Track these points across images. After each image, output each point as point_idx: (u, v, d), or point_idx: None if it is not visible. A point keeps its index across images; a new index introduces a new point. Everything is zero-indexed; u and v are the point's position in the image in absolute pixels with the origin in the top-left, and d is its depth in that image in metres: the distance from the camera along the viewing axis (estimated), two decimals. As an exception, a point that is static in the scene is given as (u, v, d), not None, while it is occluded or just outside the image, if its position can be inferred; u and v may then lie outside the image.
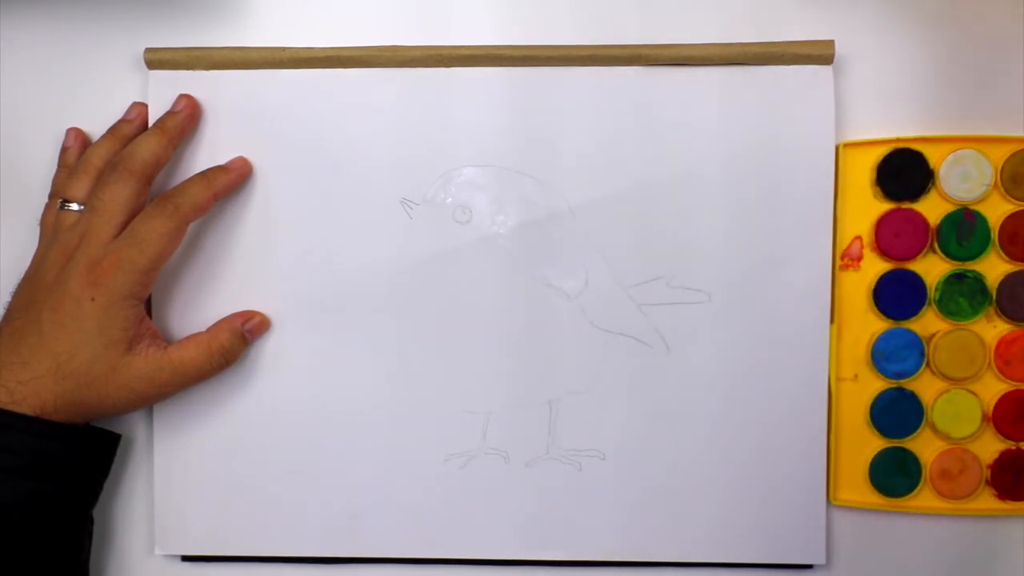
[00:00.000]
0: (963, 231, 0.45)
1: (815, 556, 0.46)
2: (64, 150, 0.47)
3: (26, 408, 0.41)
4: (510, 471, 0.47)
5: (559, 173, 0.46)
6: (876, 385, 0.46)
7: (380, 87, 0.46)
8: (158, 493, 0.47)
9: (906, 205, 0.46)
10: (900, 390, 0.46)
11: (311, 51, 0.46)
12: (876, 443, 0.46)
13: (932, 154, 0.46)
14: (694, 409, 0.46)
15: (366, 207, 0.47)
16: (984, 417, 0.46)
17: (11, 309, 0.44)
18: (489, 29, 0.47)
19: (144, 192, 0.44)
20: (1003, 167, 0.45)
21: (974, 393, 0.46)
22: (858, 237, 0.46)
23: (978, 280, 0.45)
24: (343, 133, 0.47)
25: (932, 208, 0.46)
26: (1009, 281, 0.46)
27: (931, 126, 0.46)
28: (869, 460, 0.46)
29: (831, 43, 0.45)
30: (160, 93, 0.47)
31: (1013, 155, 0.45)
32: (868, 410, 0.46)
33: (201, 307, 0.47)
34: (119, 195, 0.43)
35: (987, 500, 0.46)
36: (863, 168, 0.46)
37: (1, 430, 0.40)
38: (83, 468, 0.44)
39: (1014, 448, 0.46)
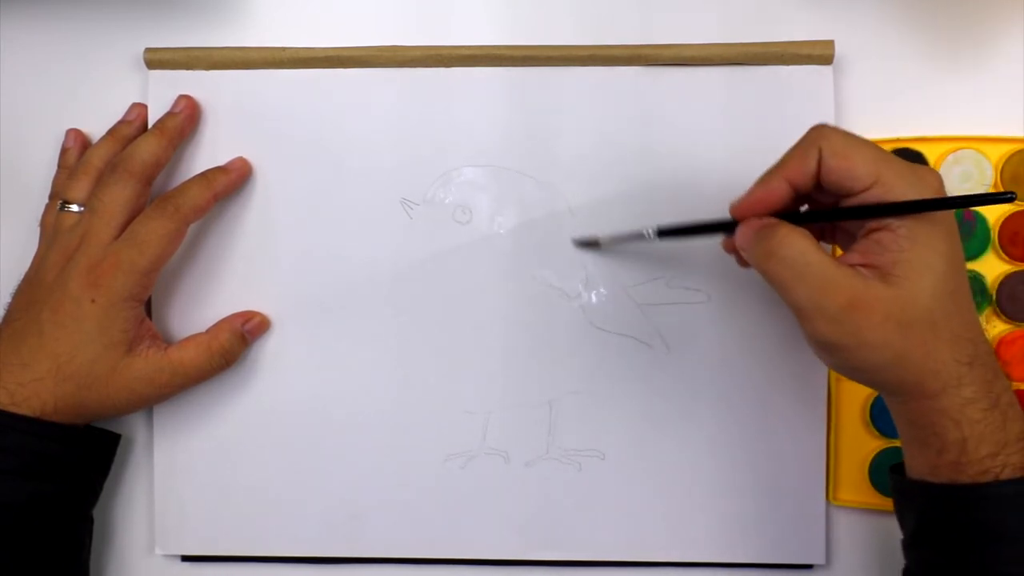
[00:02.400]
0: (963, 231, 0.45)
1: (815, 556, 0.46)
2: (64, 151, 0.47)
3: (26, 409, 0.41)
4: (510, 471, 0.47)
5: (559, 173, 0.46)
6: (876, 385, 0.46)
7: (380, 87, 0.46)
8: (158, 493, 0.47)
9: (906, 205, 0.46)
10: (900, 390, 0.46)
11: (311, 51, 0.46)
12: (876, 443, 0.46)
13: (932, 154, 0.46)
14: (694, 409, 0.46)
15: (366, 207, 0.47)
16: (984, 417, 0.46)
17: (11, 310, 0.44)
18: (489, 29, 0.47)
19: (144, 193, 0.44)
20: (1003, 167, 0.45)
21: (974, 393, 0.46)
22: (858, 237, 0.46)
23: (978, 280, 0.45)
24: (343, 133, 0.47)
25: (932, 208, 0.46)
26: (1009, 281, 0.46)
27: (931, 126, 0.46)
28: (869, 460, 0.46)
29: (831, 43, 0.45)
30: (160, 93, 0.47)
31: (1013, 155, 0.45)
32: (868, 410, 0.46)
33: (201, 308, 0.47)
34: (119, 196, 0.43)
35: (987, 500, 0.46)
36: (863, 168, 0.46)
37: (1, 431, 0.41)
38: (83, 468, 0.44)
39: (1014, 448, 0.46)
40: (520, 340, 0.47)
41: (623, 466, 0.46)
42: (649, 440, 0.46)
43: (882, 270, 0.34)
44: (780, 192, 0.36)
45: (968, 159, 0.45)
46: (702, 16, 0.47)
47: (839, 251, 0.42)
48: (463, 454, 0.47)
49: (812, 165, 0.35)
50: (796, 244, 0.34)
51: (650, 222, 0.42)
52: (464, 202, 0.46)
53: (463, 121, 0.46)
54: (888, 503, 0.46)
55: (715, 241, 0.46)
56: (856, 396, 0.46)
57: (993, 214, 0.45)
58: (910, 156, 0.46)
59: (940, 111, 0.46)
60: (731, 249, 0.40)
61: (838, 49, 0.45)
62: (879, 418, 0.46)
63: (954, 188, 0.45)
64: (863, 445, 0.46)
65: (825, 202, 0.37)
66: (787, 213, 0.36)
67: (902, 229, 0.34)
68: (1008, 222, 0.45)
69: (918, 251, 0.34)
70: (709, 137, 0.46)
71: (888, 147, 0.46)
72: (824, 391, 0.46)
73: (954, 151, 0.45)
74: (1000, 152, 0.45)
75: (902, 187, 0.34)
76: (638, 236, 0.42)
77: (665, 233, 0.41)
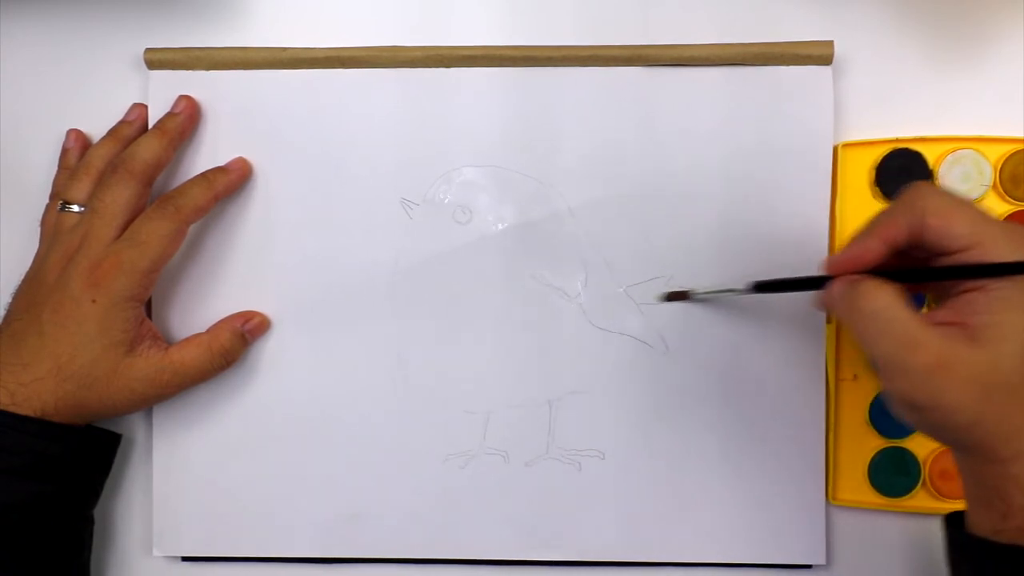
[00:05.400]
0: (962, 231, 0.45)
1: (815, 556, 0.46)
2: (64, 151, 0.47)
3: (27, 409, 0.41)
4: (510, 471, 0.47)
5: (559, 173, 0.46)
6: (875, 385, 0.46)
7: (380, 87, 0.47)
8: (157, 493, 0.47)
9: (906, 205, 0.46)
10: (899, 390, 0.46)
11: (311, 51, 0.46)
12: (875, 443, 0.46)
13: (931, 154, 0.46)
14: (694, 409, 0.46)
15: (366, 207, 0.47)
16: (983, 417, 0.46)
17: (12, 311, 0.44)
18: (489, 29, 0.47)
19: (145, 194, 0.44)
20: (1002, 167, 0.45)
21: (973, 393, 0.46)
22: (858, 237, 0.46)
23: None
24: (343, 133, 0.47)
25: (932, 208, 0.46)
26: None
27: (930, 126, 0.46)
28: (868, 460, 0.46)
29: (831, 43, 0.45)
30: (160, 93, 0.47)
31: (1012, 155, 0.45)
32: (867, 410, 0.46)
33: (201, 308, 0.47)
34: (120, 197, 0.43)
35: (986, 500, 0.46)
36: (862, 168, 0.46)
37: (1, 431, 0.41)
38: (83, 468, 0.44)
39: (1013, 448, 0.46)
40: (520, 340, 0.47)
41: (623, 466, 0.47)
42: (649, 440, 0.46)
43: (971, 331, 0.33)
44: (876, 251, 0.35)
45: (967, 159, 0.45)
46: (702, 16, 0.47)
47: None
48: (463, 454, 0.47)
49: (910, 224, 0.35)
50: (881, 298, 0.34)
51: (742, 277, 0.42)
52: (464, 202, 0.47)
53: (463, 121, 0.46)
54: (888, 503, 0.46)
55: (713, 239, 0.46)
56: (856, 396, 0.46)
57: (993, 213, 0.45)
58: (910, 156, 0.46)
59: (940, 111, 0.47)
60: (822, 306, 0.39)
61: (838, 49, 0.45)
62: (879, 418, 0.46)
63: (954, 188, 0.45)
64: (863, 445, 0.46)
65: (919, 257, 0.36)
66: (881, 271, 0.35)
67: (997, 291, 0.33)
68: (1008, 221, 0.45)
69: (1009, 315, 0.33)
70: (709, 137, 0.46)
71: (888, 147, 0.46)
72: (823, 391, 0.46)
73: (953, 151, 0.45)
74: (999, 152, 0.45)
75: (1001, 249, 0.33)
76: (730, 290, 0.43)
77: (761, 288, 0.41)
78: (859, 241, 0.36)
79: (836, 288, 0.36)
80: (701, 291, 0.45)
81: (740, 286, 0.42)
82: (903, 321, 0.34)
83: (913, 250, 0.36)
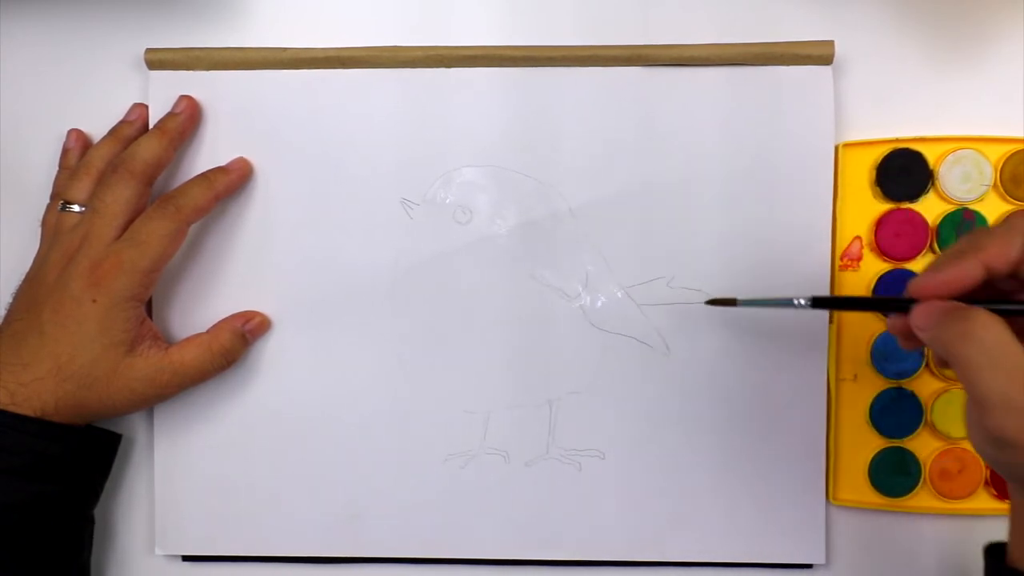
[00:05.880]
0: (963, 231, 0.45)
1: (815, 556, 0.46)
2: (65, 151, 0.47)
3: (27, 409, 0.41)
4: (510, 471, 0.47)
5: (559, 173, 0.46)
6: (876, 385, 0.46)
7: (380, 87, 0.47)
8: (158, 493, 0.47)
9: (905, 205, 0.46)
10: (900, 390, 0.46)
11: (311, 51, 0.46)
12: (876, 443, 0.46)
13: (931, 154, 0.46)
14: (694, 409, 0.46)
15: (366, 207, 0.47)
16: (983, 417, 0.46)
17: (12, 310, 0.44)
18: (489, 29, 0.47)
19: (145, 193, 0.44)
20: (1002, 167, 0.45)
21: (973, 393, 0.46)
22: (858, 237, 0.46)
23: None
24: (343, 133, 0.47)
25: (932, 208, 0.46)
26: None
27: (931, 126, 0.46)
28: (869, 460, 0.46)
29: (831, 43, 0.45)
30: (160, 94, 0.47)
31: (1012, 155, 0.45)
32: (868, 410, 0.46)
33: (202, 308, 0.47)
34: (120, 196, 0.43)
35: (986, 500, 0.46)
36: (862, 168, 0.46)
37: (2, 431, 0.41)
38: (84, 468, 0.44)
39: (1013, 448, 0.46)
40: (520, 340, 0.47)
41: (623, 466, 0.47)
42: (649, 440, 0.46)
43: None
44: (974, 277, 0.33)
45: (967, 159, 0.45)
46: (702, 16, 0.47)
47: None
48: (463, 454, 0.47)
49: (1016, 252, 0.32)
50: (997, 330, 0.31)
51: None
52: (464, 202, 0.47)
53: (463, 121, 0.46)
54: (888, 502, 0.46)
55: (714, 240, 0.46)
56: (856, 396, 0.46)
57: (993, 214, 0.46)
58: (910, 156, 0.46)
59: (940, 111, 0.46)
60: (900, 329, 0.36)
61: (838, 49, 0.45)
62: (879, 418, 0.46)
63: (954, 188, 0.45)
64: (863, 445, 0.46)
65: (1005, 289, 0.34)
66: (974, 299, 0.33)
67: None
68: (1008, 222, 0.45)
69: None
70: (709, 137, 0.46)
71: (888, 147, 0.46)
72: (824, 391, 0.46)
73: (954, 151, 0.45)
74: (1000, 152, 0.45)
75: None
76: (787, 303, 0.40)
77: (819, 304, 0.39)
78: (953, 264, 0.33)
79: (930, 312, 0.33)
80: (748, 299, 0.43)
81: (800, 300, 0.39)
82: (1017, 355, 0.31)
83: (1000, 280, 0.33)
